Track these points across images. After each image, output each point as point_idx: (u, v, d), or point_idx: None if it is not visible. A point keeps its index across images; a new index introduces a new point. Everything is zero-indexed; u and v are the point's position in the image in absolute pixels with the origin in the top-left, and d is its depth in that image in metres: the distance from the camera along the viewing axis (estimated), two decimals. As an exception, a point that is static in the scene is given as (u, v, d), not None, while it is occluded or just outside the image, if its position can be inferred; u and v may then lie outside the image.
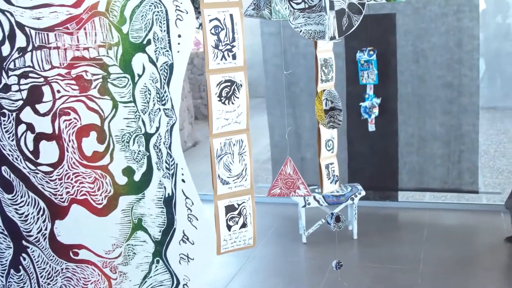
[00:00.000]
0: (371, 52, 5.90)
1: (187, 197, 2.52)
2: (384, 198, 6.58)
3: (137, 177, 2.46)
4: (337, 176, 3.76)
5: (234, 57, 2.49)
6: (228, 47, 2.48)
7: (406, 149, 6.39)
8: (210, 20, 2.41)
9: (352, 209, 5.69)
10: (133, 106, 2.38)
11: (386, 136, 6.36)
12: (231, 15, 2.47)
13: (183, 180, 2.50)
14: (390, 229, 6.00)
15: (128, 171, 2.45)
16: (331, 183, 3.81)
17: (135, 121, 2.40)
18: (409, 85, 6.28)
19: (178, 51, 2.37)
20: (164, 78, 2.38)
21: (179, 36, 2.33)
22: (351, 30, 3.10)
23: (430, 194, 6.90)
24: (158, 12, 2.28)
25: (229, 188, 2.66)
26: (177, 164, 2.49)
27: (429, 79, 6.22)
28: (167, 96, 2.41)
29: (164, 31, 2.31)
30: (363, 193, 5.66)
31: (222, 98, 2.50)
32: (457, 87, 6.12)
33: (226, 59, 2.47)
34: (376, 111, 6.02)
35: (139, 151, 2.43)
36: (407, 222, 6.28)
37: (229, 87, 2.51)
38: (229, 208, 2.68)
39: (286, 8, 3.07)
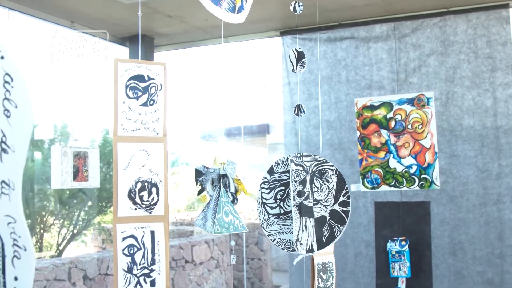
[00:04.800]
0: (403, 242, 5.48)
1: None
2: None
3: None
4: None
5: (152, 283, 2.11)
6: (146, 271, 2.12)
7: None
8: (124, 238, 2.07)
9: None
10: None
11: (420, 338, 5.67)
12: (152, 232, 2.14)
13: None
14: None
15: None
16: None
17: None
18: (445, 281, 5.70)
19: None
20: None
21: (16, 279, 1.95)
22: (333, 242, 2.74)
23: None
24: None
25: None
26: None
27: (468, 275, 5.64)
28: None
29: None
30: None
31: None
32: (499, 285, 5.50)
33: (142, 287, 2.10)
34: (409, 307, 5.46)
35: None
36: None
37: (144, 323, 2.10)
38: None
39: (260, 213, 2.77)
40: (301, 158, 2.88)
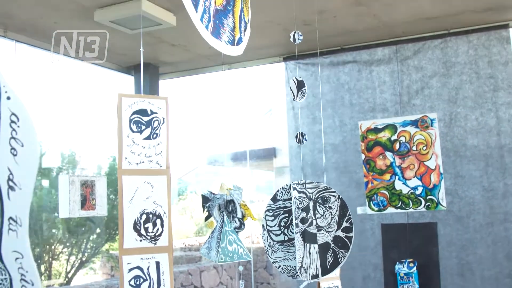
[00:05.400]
0: (411, 264, 5.46)
1: None
2: None
3: None
4: None
5: None
6: None
7: None
8: (130, 269, 2.11)
9: None
10: None
11: None
12: (157, 263, 2.19)
13: None
14: None
15: None
16: None
17: None
18: (455, 302, 5.67)
19: None
20: None
21: None
22: (337, 268, 2.76)
23: None
24: (2, 280, 1.97)
25: None
26: None
27: (477, 296, 5.62)
28: None
29: None
30: None
31: None
32: (509, 306, 5.49)
33: None
34: (418, 330, 5.42)
35: None
36: None
37: None
38: None
39: (265, 240, 2.80)
40: (304, 185, 2.93)
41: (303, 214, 2.82)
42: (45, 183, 12.12)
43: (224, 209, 3.22)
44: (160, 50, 6.64)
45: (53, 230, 12.10)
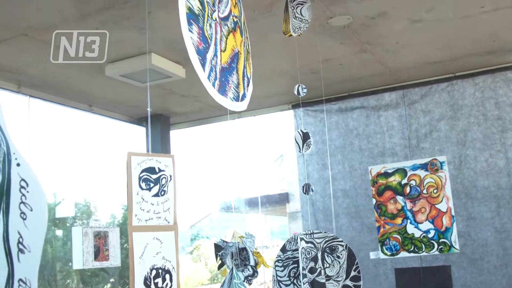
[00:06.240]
0: (427, 309, 5.42)
1: None
2: None
3: None
4: None
5: None
6: None
7: None
8: None
9: None
10: None
11: None
12: None
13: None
14: None
15: None
16: None
17: None
18: None
19: None
20: None
21: None
22: (347, 317, 2.78)
23: None
24: None
25: None
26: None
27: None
28: None
29: None
30: None
31: None
32: None
33: None
34: None
35: None
36: None
37: None
38: None
39: (274, 290, 2.83)
40: (312, 235, 2.97)
41: (312, 264, 2.85)
42: (59, 233, 12.17)
43: (237, 257, 3.26)
44: (170, 101, 6.76)
45: (68, 281, 12.08)
